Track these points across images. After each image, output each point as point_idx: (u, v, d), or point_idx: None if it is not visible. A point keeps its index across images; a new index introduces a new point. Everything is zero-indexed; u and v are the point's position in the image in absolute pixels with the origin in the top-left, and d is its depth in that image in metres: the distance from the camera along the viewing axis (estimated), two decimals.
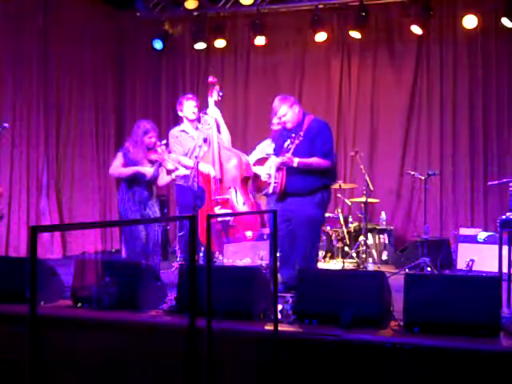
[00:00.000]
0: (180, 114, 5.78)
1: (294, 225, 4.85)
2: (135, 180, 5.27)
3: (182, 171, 5.41)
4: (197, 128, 5.71)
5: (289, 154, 4.77)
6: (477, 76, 7.60)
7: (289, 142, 4.81)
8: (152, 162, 5.33)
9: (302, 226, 4.81)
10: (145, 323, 3.83)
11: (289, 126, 4.93)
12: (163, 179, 5.46)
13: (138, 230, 5.22)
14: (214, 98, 5.48)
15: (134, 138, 5.35)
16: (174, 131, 5.76)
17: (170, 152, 5.51)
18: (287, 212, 4.88)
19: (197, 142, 5.62)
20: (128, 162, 5.29)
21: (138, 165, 5.28)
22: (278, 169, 4.90)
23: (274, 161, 4.92)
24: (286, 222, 4.88)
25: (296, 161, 4.78)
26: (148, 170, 5.25)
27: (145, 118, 5.54)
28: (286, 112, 4.91)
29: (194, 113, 5.65)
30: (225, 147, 5.54)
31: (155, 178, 5.34)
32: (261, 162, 5.77)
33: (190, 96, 5.76)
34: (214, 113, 5.46)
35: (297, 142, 4.76)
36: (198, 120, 5.71)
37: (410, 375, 3.28)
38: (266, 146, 6.05)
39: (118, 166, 5.33)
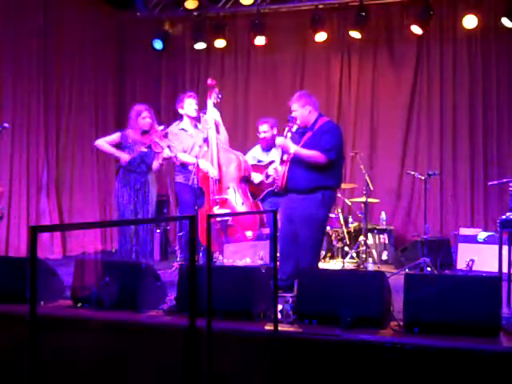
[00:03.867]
0: (180, 111, 5.77)
1: (296, 224, 4.85)
2: (131, 164, 5.30)
3: (166, 152, 5.39)
4: (195, 126, 5.74)
5: (282, 139, 4.86)
6: (477, 76, 7.60)
7: (286, 129, 4.91)
8: (146, 146, 5.35)
9: (303, 226, 4.81)
10: (145, 323, 3.83)
11: (298, 122, 4.98)
12: (155, 164, 5.48)
13: (128, 216, 5.27)
14: (212, 99, 5.52)
15: (130, 122, 5.43)
16: (173, 128, 5.77)
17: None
18: (289, 210, 4.89)
19: (196, 140, 5.65)
20: (125, 145, 5.35)
21: (133, 147, 5.32)
22: (282, 161, 4.97)
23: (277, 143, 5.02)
24: (288, 221, 4.89)
25: (293, 148, 4.85)
26: (124, 156, 5.30)
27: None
28: (296, 109, 4.96)
29: (195, 110, 5.67)
30: (223, 148, 5.56)
31: (150, 161, 5.36)
32: (252, 168, 5.82)
33: (190, 94, 5.78)
34: (213, 114, 5.49)
35: (294, 128, 4.88)
36: (198, 119, 5.73)
37: (410, 375, 3.28)
38: (258, 153, 6.08)
39: (104, 140, 5.46)
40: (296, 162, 4.86)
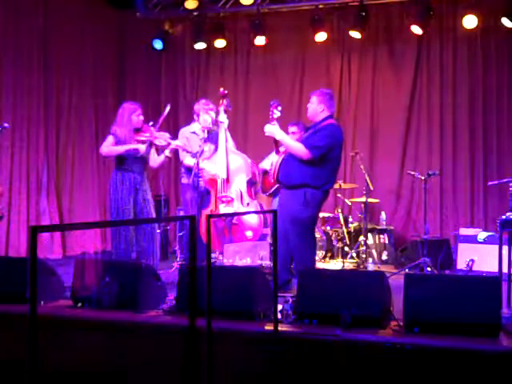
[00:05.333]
0: (195, 117, 5.86)
1: (285, 222, 4.84)
2: (127, 164, 5.24)
3: (175, 143, 5.42)
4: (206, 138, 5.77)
5: (270, 126, 4.95)
6: (477, 76, 7.60)
7: (270, 115, 5.02)
8: (142, 143, 5.31)
9: (289, 224, 4.83)
10: (145, 323, 3.83)
11: (308, 114, 5.11)
12: (156, 160, 5.45)
13: (128, 217, 5.22)
14: (223, 107, 5.65)
15: (120, 119, 5.32)
16: (185, 131, 5.87)
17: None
18: (279, 207, 4.95)
19: (202, 144, 5.68)
20: (118, 143, 5.28)
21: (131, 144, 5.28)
22: (277, 151, 5.07)
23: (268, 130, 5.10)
24: (280, 219, 4.87)
25: (279, 134, 4.94)
26: (140, 146, 5.23)
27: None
28: (312, 102, 5.04)
29: (209, 124, 5.70)
30: (231, 149, 5.67)
31: (146, 159, 5.34)
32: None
33: (211, 107, 5.78)
34: (223, 119, 5.61)
35: (277, 114, 4.98)
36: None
37: (410, 375, 3.28)
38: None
39: (108, 145, 5.31)
40: (291, 155, 4.89)
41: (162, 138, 5.33)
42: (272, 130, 4.97)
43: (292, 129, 6.02)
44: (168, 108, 5.40)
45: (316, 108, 4.99)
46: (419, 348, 3.28)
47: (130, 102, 5.53)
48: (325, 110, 4.98)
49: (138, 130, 5.34)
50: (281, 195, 5.12)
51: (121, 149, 5.21)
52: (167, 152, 5.36)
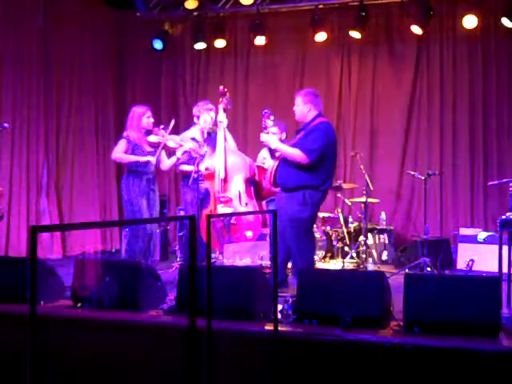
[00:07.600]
0: (195, 120, 5.85)
1: (283, 224, 4.85)
2: (140, 166, 5.33)
3: (188, 145, 5.47)
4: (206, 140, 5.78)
5: (265, 135, 4.99)
6: (477, 76, 7.60)
7: (263, 124, 5.06)
8: (154, 146, 5.37)
9: (288, 226, 4.84)
10: (145, 323, 3.83)
11: (296, 117, 5.10)
12: (166, 163, 5.55)
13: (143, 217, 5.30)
14: (222, 105, 5.66)
15: (131, 123, 5.41)
16: (185, 137, 5.83)
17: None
18: (278, 209, 4.93)
19: (205, 150, 5.69)
20: (131, 147, 5.36)
21: (141, 148, 5.33)
22: (273, 156, 5.10)
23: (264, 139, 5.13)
24: (280, 221, 4.89)
25: (274, 143, 4.96)
26: (151, 159, 5.29)
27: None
28: (297, 104, 5.04)
29: (209, 123, 5.71)
30: (230, 149, 5.67)
31: (158, 163, 5.41)
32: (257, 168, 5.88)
33: (211, 107, 5.80)
34: (222, 118, 5.61)
35: (270, 123, 5.02)
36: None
37: (410, 375, 3.28)
38: (266, 154, 6.13)
39: (120, 151, 5.40)
40: (286, 159, 4.91)
41: (174, 140, 5.41)
42: (267, 138, 5.01)
43: (273, 129, 6.00)
44: (173, 122, 5.42)
45: (303, 109, 4.98)
46: (419, 348, 3.28)
47: (139, 106, 5.63)
48: (312, 109, 4.97)
49: (149, 133, 5.40)
50: (278, 198, 5.10)
51: (132, 158, 5.33)
52: (179, 154, 5.47)
